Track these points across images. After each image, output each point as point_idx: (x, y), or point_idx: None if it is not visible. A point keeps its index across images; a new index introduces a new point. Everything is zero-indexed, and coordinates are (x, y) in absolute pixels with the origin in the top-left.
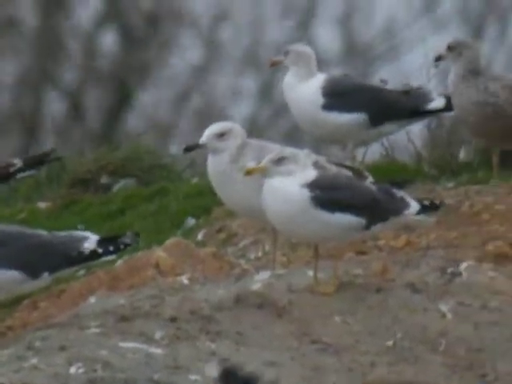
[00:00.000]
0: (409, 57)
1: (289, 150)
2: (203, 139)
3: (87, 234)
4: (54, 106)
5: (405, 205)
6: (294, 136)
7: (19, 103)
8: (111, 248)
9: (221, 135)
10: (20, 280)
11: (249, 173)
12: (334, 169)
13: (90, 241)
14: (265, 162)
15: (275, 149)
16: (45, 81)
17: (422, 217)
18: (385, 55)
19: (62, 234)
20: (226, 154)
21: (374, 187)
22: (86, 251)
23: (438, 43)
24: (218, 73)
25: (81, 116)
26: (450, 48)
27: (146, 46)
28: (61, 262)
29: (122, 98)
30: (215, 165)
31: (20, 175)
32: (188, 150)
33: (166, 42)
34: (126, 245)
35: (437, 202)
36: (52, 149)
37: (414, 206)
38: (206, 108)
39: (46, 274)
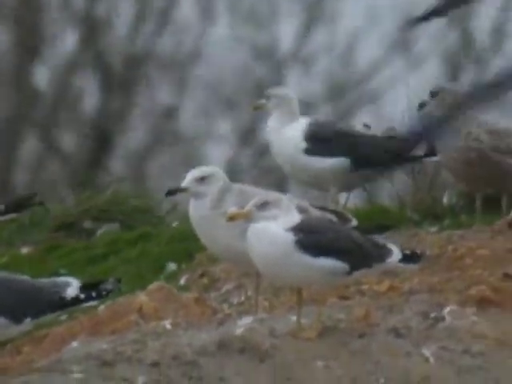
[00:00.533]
0: (390, 97)
1: (272, 195)
2: (185, 183)
3: (69, 279)
4: (32, 149)
5: (387, 252)
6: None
7: None
8: (93, 294)
9: (202, 179)
10: (3, 325)
11: (232, 218)
12: (316, 213)
13: (73, 287)
14: (248, 207)
15: (257, 193)
16: (22, 124)
17: (403, 265)
18: (365, 97)
19: (45, 279)
20: (207, 199)
21: (357, 233)
22: (69, 297)
23: (418, 85)
24: (196, 115)
25: (61, 160)
26: (432, 94)
27: (125, 89)
28: (43, 307)
29: (102, 142)
30: (197, 209)
31: (1, 218)
32: (170, 193)
33: (144, 85)
34: (108, 291)
35: (418, 251)
36: (34, 193)
37: (396, 253)
38: (184, 151)
39: (28, 320)
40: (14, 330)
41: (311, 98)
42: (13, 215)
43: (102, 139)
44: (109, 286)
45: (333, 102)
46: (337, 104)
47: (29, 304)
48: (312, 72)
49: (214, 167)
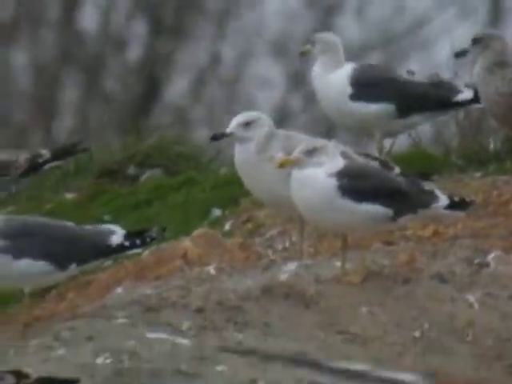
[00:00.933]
0: (437, 47)
1: (318, 141)
2: (230, 128)
3: (114, 227)
4: (78, 93)
5: (433, 198)
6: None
7: (40, 89)
8: (138, 241)
9: (247, 124)
10: (49, 271)
11: (282, 165)
12: (360, 159)
13: (117, 234)
14: (296, 153)
15: (303, 139)
16: (68, 68)
17: (450, 212)
18: (413, 45)
19: (90, 226)
20: (252, 144)
21: (402, 178)
22: (114, 244)
23: (465, 34)
24: (245, 61)
25: (107, 105)
26: (475, 41)
27: (173, 35)
28: (89, 254)
29: (149, 88)
30: (242, 154)
31: (48, 165)
32: (215, 138)
33: (191, 31)
34: (153, 238)
35: (467, 198)
36: (80, 140)
37: (443, 200)
38: (236, 97)
39: (73, 266)
40: (60, 276)
41: (361, 44)
42: (58, 163)
43: (148, 85)
44: (153, 234)
45: (383, 49)
46: (387, 51)
47: (74, 250)
48: (363, 18)
49: (259, 113)
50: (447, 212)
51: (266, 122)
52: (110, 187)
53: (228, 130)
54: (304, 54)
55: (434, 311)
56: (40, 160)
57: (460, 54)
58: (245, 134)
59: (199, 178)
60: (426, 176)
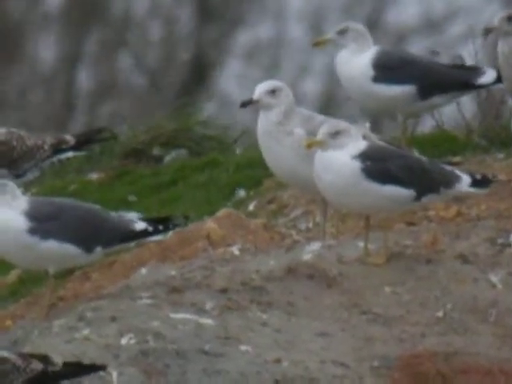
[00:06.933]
0: (455, 27)
1: (342, 123)
2: (256, 95)
3: (136, 217)
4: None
5: (456, 178)
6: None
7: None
8: (160, 228)
9: (273, 92)
10: (75, 254)
11: (309, 146)
12: (381, 143)
13: (139, 223)
14: (322, 135)
15: (322, 120)
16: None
17: (473, 189)
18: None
19: (114, 213)
20: (274, 112)
21: (425, 159)
22: (137, 229)
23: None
24: (287, 48)
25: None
26: (510, 19)
27: (221, 21)
28: (114, 238)
29: (197, 74)
30: (264, 124)
31: (72, 154)
32: (243, 105)
33: (238, 17)
34: (175, 225)
35: (489, 175)
36: (105, 127)
37: (466, 179)
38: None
39: (99, 249)
40: (85, 258)
41: (407, 30)
42: (82, 153)
43: (195, 68)
44: (176, 221)
45: (428, 35)
46: (433, 37)
47: (100, 234)
48: (407, 4)
49: (282, 82)
50: (471, 190)
51: (288, 92)
52: (135, 168)
53: (254, 98)
54: (319, 44)
55: (456, 291)
56: (64, 146)
57: (487, 32)
58: (270, 100)
59: (223, 158)
60: (447, 161)
